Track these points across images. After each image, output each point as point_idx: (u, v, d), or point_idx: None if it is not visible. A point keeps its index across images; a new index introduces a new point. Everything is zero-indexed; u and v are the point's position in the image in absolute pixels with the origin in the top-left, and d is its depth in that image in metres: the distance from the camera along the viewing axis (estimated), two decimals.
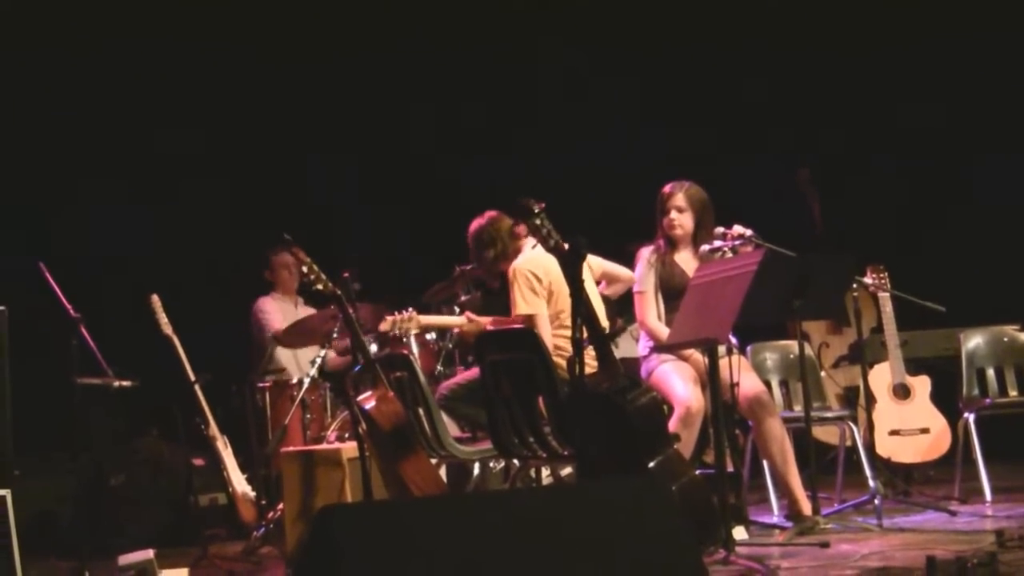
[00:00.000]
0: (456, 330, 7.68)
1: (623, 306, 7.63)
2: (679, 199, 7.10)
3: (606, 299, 7.18)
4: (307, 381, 7.90)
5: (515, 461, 6.81)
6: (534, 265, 6.84)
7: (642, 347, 7.20)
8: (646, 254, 7.15)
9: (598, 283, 7.16)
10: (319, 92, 10.35)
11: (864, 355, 7.79)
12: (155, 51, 9.86)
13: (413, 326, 7.26)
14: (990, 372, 7.99)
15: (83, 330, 7.18)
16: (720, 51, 10.46)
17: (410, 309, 7.20)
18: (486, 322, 7.19)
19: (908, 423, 7.98)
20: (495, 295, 7.68)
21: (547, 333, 6.72)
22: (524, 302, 6.82)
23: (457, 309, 8.09)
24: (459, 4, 10.40)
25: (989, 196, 10.11)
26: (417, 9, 10.39)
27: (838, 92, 10.39)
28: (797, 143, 10.21)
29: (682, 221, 7.09)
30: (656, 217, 7.17)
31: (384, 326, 7.19)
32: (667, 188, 7.15)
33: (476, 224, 7.26)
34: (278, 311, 8.99)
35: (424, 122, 10.55)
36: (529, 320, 6.76)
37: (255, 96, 10.14)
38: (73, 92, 9.68)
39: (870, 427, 7.65)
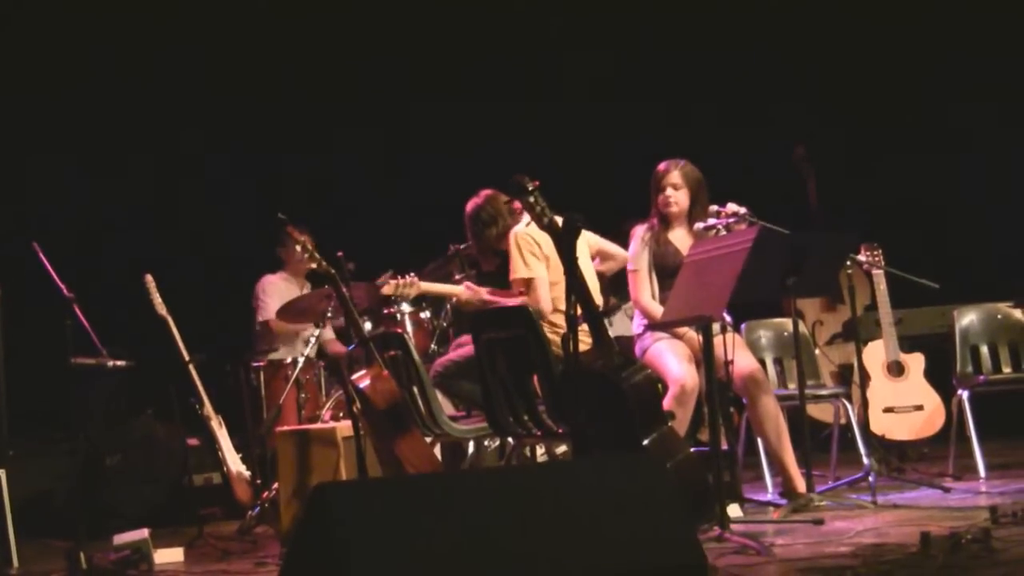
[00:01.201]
0: (454, 299, 7.64)
1: (617, 284, 7.63)
2: (674, 176, 7.09)
3: (600, 276, 7.17)
4: (302, 360, 7.91)
5: (510, 439, 6.81)
6: (535, 233, 6.80)
7: (636, 325, 7.20)
8: (640, 232, 7.15)
9: (592, 259, 7.14)
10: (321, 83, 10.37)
11: (858, 333, 7.79)
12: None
13: (414, 291, 7.22)
14: (984, 349, 7.99)
15: (77, 310, 7.18)
16: (721, 24, 10.46)
17: (411, 274, 7.18)
18: (485, 292, 7.18)
19: (902, 400, 7.99)
20: (490, 275, 7.67)
21: (546, 297, 6.71)
22: (525, 265, 6.78)
23: None
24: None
25: (983, 173, 10.13)
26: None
27: (833, 69, 10.39)
28: (793, 120, 10.20)
29: (678, 198, 7.08)
30: (650, 195, 7.17)
31: (387, 289, 7.16)
32: (662, 166, 7.14)
33: (473, 204, 7.21)
34: (279, 294, 8.82)
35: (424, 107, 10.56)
36: (528, 284, 6.73)
37: (256, 78, 10.14)
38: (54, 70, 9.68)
39: (864, 404, 7.66)
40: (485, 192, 7.20)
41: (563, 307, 5.77)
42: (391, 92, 10.46)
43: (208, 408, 7.76)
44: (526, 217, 6.83)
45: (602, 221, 7.03)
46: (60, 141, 9.62)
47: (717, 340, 6.31)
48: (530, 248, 6.79)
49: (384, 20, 10.39)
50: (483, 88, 10.48)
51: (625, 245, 7.27)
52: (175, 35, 9.90)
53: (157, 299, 7.69)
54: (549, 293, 6.76)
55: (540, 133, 10.35)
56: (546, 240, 6.64)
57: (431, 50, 10.40)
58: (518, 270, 6.79)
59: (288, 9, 10.22)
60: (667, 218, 7.12)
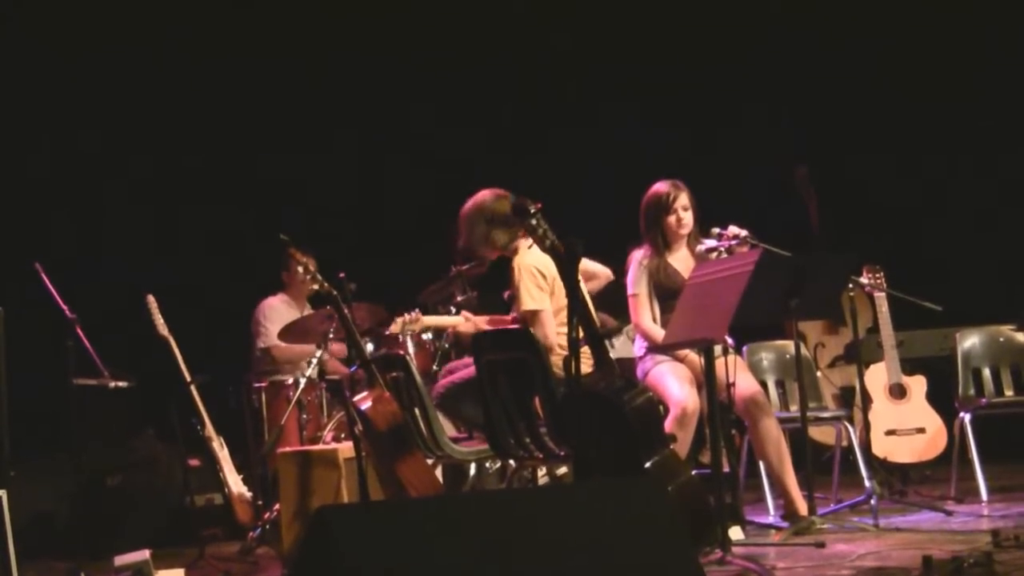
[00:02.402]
0: (451, 330, 7.65)
1: (619, 307, 7.63)
2: (685, 198, 7.11)
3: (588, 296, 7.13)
4: (303, 381, 7.90)
5: (511, 461, 6.81)
6: (538, 263, 6.80)
7: (638, 347, 7.21)
8: (638, 256, 7.15)
9: None
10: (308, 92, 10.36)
11: (860, 355, 7.78)
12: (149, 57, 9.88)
13: (418, 327, 7.26)
14: (986, 372, 7.99)
15: (79, 331, 7.18)
16: (714, 43, 10.47)
17: (416, 311, 7.18)
18: (483, 321, 7.19)
19: (904, 423, 7.98)
20: (492, 296, 7.67)
21: (552, 330, 6.69)
22: (530, 298, 6.77)
23: (453, 309, 8.08)
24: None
25: (985, 195, 10.13)
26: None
27: (835, 89, 10.40)
28: (794, 141, 10.21)
29: (689, 219, 7.11)
30: (647, 218, 7.16)
31: (394, 328, 7.19)
32: (663, 188, 7.13)
33: (488, 195, 7.01)
34: (281, 319, 8.68)
35: (423, 119, 10.55)
36: (534, 316, 6.72)
37: (251, 95, 10.15)
38: (71, 91, 9.69)
39: (866, 427, 7.65)
40: (500, 191, 7.04)
41: (565, 329, 5.76)
42: (389, 106, 10.48)
43: (209, 429, 7.76)
44: (525, 243, 6.85)
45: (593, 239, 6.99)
46: (59, 157, 9.64)
47: (719, 362, 6.31)
48: (535, 280, 6.77)
49: (381, 31, 10.40)
50: (482, 102, 10.52)
51: (621, 268, 7.26)
52: (174, 55, 9.93)
53: (159, 320, 7.70)
54: (555, 326, 6.76)
55: (537, 149, 10.38)
56: (548, 264, 6.64)
57: (428, 61, 10.43)
58: (525, 303, 6.77)
59: (283, 22, 10.25)
60: (668, 241, 7.13)
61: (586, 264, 7.16)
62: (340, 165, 10.41)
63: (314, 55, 10.27)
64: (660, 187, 7.14)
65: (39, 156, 9.55)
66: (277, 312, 8.86)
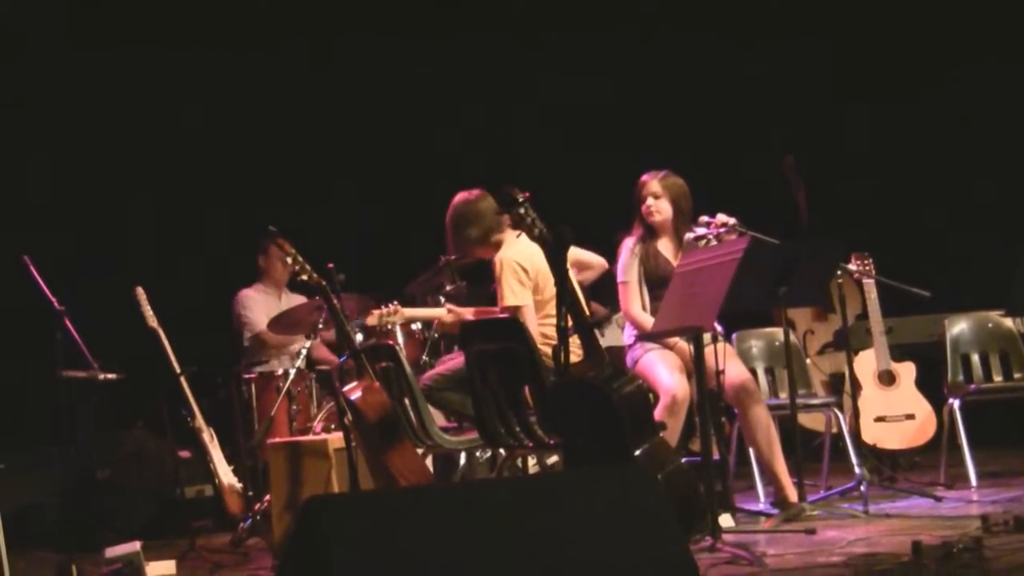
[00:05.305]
0: (436, 322, 7.64)
1: (608, 295, 7.63)
2: (654, 186, 7.13)
3: (581, 286, 7.12)
4: (293, 372, 7.90)
5: (501, 450, 6.82)
6: (520, 256, 6.80)
7: (627, 335, 7.21)
8: (629, 244, 7.16)
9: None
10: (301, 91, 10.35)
11: (849, 342, 7.79)
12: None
13: (398, 319, 7.23)
14: (975, 358, 8.00)
15: (68, 323, 7.17)
16: (708, 36, 10.47)
17: (395, 303, 7.18)
18: (467, 313, 7.18)
19: (893, 409, 7.99)
20: (480, 286, 7.66)
21: (533, 325, 6.70)
22: (511, 293, 6.78)
23: (442, 299, 8.07)
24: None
25: (972, 181, 10.14)
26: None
27: (824, 79, 10.40)
28: (783, 130, 10.21)
29: (659, 207, 7.11)
30: (634, 208, 7.18)
31: (371, 320, 7.16)
32: (644, 177, 7.18)
33: (462, 197, 7.08)
34: (261, 307, 8.81)
35: (417, 110, 10.54)
36: (516, 312, 6.73)
37: (245, 90, 10.13)
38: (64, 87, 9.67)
39: (855, 414, 7.65)
40: (476, 191, 7.08)
41: (554, 319, 5.77)
42: (380, 96, 10.46)
43: (199, 420, 7.74)
44: (512, 234, 6.85)
45: (585, 231, 7.01)
46: (47, 153, 9.61)
47: (708, 350, 6.31)
48: (516, 276, 6.78)
49: (377, 18, 10.38)
50: (474, 93, 10.51)
51: (612, 256, 7.27)
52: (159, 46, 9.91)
53: (148, 311, 7.68)
54: (536, 320, 6.76)
55: (529, 141, 10.36)
56: (533, 256, 6.64)
57: (423, 53, 10.42)
58: (506, 298, 6.78)
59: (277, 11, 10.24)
60: (651, 227, 7.14)
61: (580, 254, 7.17)
62: (330, 159, 10.40)
63: (308, 49, 10.25)
64: (643, 176, 7.18)
65: (28, 150, 9.51)
66: (255, 301, 8.90)
